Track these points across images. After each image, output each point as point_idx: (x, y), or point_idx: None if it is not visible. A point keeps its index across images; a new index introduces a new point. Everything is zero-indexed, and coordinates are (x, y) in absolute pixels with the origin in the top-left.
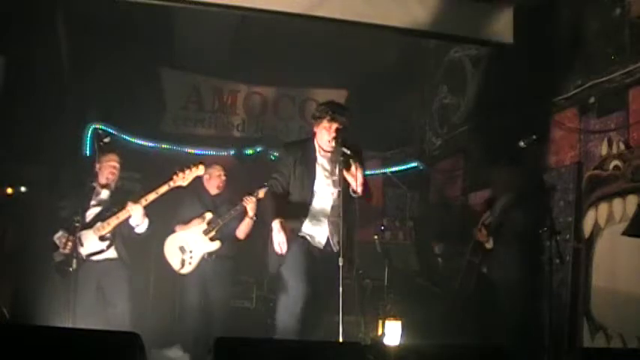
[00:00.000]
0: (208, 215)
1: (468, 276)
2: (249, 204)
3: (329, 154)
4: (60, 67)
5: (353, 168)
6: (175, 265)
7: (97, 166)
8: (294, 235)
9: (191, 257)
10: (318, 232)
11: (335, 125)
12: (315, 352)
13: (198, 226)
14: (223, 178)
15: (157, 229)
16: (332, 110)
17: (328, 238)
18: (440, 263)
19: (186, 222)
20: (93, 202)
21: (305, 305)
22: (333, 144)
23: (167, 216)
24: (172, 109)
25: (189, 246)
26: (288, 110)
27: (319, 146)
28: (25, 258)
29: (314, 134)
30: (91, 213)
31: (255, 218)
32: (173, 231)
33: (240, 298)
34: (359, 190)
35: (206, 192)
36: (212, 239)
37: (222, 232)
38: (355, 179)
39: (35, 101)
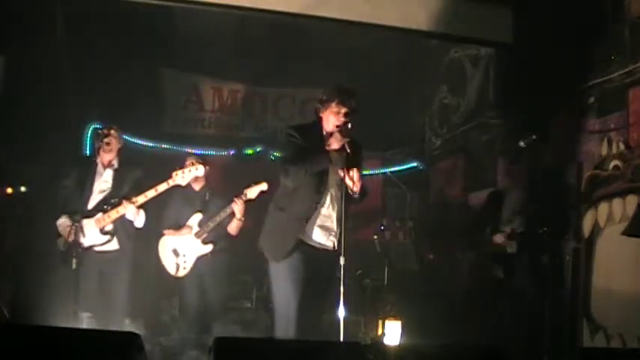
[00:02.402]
0: (198, 216)
1: (476, 279)
2: (237, 206)
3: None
4: (60, 67)
5: (351, 171)
6: (170, 269)
7: (97, 143)
8: (296, 242)
9: (185, 261)
10: (325, 230)
11: (344, 109)
12: (315, 352)
13: (187, 229)
14: (194, 163)
15: (159, 225)
16: (341, 93)
17: (332, 239)
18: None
19: (177, 226)
20: (95, 186)
21: (302, 316)
22: (343, 129)
23: (160, 217)
24: (172, 109)
25: (182, 249)
26: (288, 110)
27: (326, 132)
28: (25, 258)
29: (320, 119)
30: (94, 200)
31: (243, 219)
32: (162, 234)
33: (240, 298)
34: (356, 189)
35: (190, 188)
36: (205, 242)
37: (214, 231)
38: (353, 181)
39: (35, 101)
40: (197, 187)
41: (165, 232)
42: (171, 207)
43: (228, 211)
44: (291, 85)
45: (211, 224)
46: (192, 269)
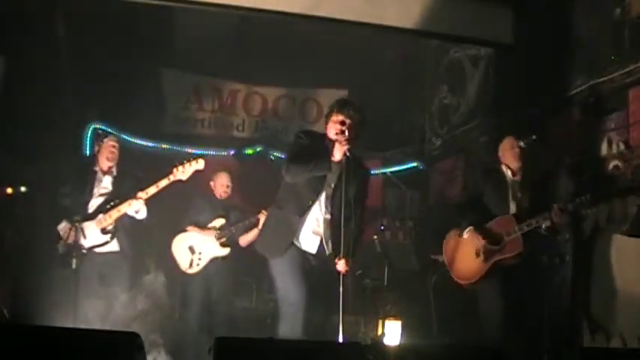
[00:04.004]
0: (220, 221)
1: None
2: (264, 218)
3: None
4: (60, 67)
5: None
6: (183, 264)
7: (97, 148)
8: (288, 244)
9: (199, 259)
10: (316, 236)
11: (341, 117)
12: (315, 352)
13: (211, 230)
14: (229, 187)
15: (162, 224)
16: (339, 104)
17: (321, 241)
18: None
19: (201, 224)
20: (95, 191)
21: (305, 314)
22: (340, 137)
23: (175, 214)
24: (172, 109)
25: (199, 247)
26: (288, 110)
27: (329, 140)
28: (25, 258)
29: (326, 131)
30: (94, 204)
31: None
32: (184, 230)
33: (240, 298)
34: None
35: (214, 197)
36: (223, 245)
37: (230, 238)
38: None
39: (35, 101)
40: (220, 197)
41: (189, 228)
42: (196, 209)
43: (254, 220)
44: (291, 85)
45: (234, 230)
46: (204, 268)
